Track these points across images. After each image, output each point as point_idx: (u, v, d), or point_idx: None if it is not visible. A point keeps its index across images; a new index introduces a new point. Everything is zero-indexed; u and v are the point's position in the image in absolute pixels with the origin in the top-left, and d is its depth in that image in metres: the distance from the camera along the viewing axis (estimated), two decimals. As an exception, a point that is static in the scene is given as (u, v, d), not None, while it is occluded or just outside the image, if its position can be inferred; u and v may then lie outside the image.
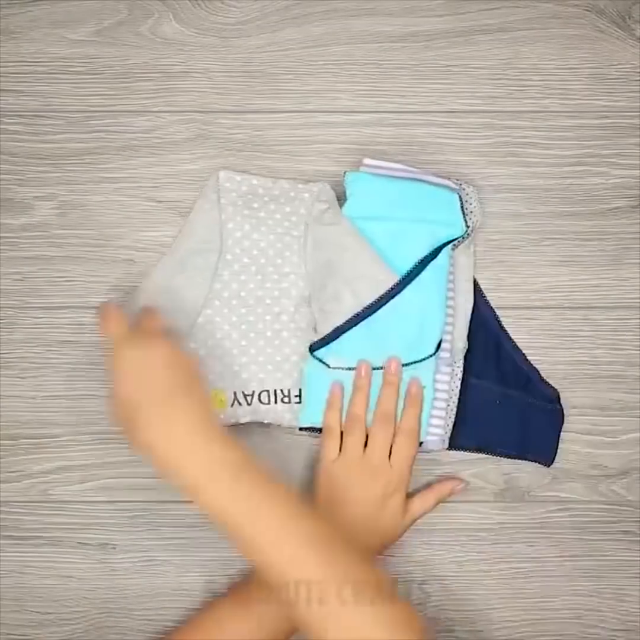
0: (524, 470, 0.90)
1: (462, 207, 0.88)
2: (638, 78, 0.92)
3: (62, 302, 0.91)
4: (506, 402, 0.89)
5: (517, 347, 0.90)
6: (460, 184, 0.89)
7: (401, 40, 0.92)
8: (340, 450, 0.87)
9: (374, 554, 0.86)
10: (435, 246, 0.87)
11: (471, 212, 0.89)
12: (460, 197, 0.88)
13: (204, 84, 0.92)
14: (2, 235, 0.91)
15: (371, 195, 0.88)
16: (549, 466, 0.90)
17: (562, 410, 0.90)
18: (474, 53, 0.92)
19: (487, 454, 0.90)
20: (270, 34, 0.92)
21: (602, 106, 0.92)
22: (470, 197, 0.89)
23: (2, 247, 0.91)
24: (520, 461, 0.90)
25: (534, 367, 0.90)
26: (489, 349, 0.90)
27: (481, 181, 0.91)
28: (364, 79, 0.92)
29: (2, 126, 0.92)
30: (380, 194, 0.88)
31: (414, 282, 0.87)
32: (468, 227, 0.88)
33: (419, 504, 0.87)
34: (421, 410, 0.87)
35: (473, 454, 0.90)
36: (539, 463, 0.90)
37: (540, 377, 0.90)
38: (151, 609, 0.90)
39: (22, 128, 0.92)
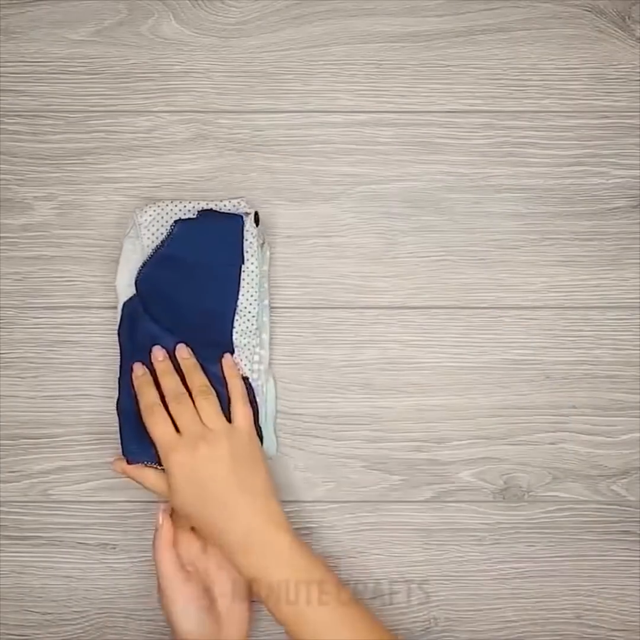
0: (524, 470, 0.90)
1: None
2: (638, 78, 0.92)
3: (62, 302, 0.91)
4: None
5: None
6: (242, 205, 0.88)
7: (401, 40, 0.93)
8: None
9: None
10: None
11: (248, 240, 0.87)
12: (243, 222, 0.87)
13: (204, 84, 0.92)
14: (2, 235, 0.91)
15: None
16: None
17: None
18: (474, 53, 0.93)
19: None
20: (270, 34, 0.93)
21: (602, 106, 0.92)
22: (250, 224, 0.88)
23: (2, 247, 0.91)
24: (521, 462, 0.90)
25: None
26: None
27: (481, 181, 0.92)
28: (364, 79, 0.92)
29: (2, 126, 0.92)
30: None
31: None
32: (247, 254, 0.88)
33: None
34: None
35: (473, 454, 0.90)
36: None
37: None
38: (151, 609, 0.90)
39: (22, 128, 0.92)
